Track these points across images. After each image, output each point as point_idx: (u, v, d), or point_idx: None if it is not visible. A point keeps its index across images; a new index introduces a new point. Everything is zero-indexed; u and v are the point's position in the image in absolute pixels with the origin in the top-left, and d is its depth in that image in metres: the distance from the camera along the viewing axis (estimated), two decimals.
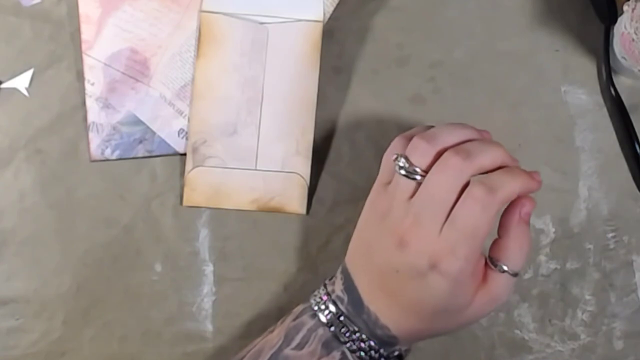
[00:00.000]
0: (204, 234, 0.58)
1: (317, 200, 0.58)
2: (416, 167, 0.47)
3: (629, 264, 0.57)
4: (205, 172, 0.57)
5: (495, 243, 0.48)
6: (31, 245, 0.58)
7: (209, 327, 0.58)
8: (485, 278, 0.47)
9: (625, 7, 0.53)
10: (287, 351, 0.48)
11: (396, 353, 0.49)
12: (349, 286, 0.49)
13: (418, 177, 0.46)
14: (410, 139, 0.48)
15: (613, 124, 0.58)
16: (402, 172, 0.47)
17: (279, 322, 0.51)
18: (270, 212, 0.58)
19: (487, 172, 0.47)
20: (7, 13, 0.59)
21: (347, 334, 0.47)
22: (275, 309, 0.58)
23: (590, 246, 0.57)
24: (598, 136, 0.58)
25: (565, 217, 0.58)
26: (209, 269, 0.58)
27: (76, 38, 0.58)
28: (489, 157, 0.46)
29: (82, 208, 0.58)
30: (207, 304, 0.58)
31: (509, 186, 0.46)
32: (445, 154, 0.46)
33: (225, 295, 0.58)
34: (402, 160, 0.47)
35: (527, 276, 0.57)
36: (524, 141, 0.58)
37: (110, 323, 0.58)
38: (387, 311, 0.48)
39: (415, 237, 0.46)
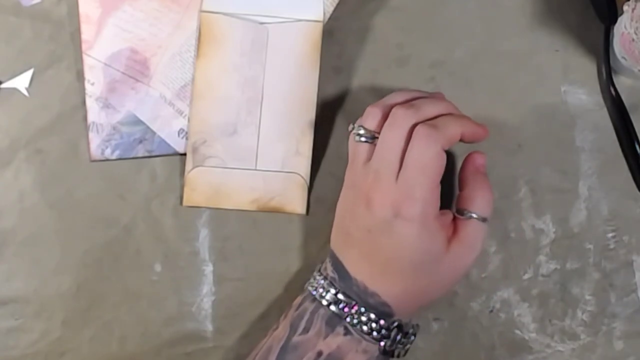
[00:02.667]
0: (204, 234, 0.58)
1: (317, 200, 0.58)
2: (371, 130, 0.51)
3: (629, 264, 0.57)
4: (205, 172, 0.57)
5: (458, 196, 0.52)
6: (31, 245, 0.58)
7: (209, 327, 0.58)
8: (456, 230, 0.50)
9: (625, 7, 0.53)
10: (295, 338, 0.50)
11: (396, 324, 0.50)
12: (336, 264, 0.51)
13: (375, 141, 0.50)
14: None
15: (613, 124, 0.58)
16: (362, 139, 0.51)
17: (281, 319, 0.52)
18: (270, 212, 0.58)
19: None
20: (7, 13, 0.59)
21: (346, 309, 0.50)
22: (275, 309, 0.58)
23: (590, 246, 0.57)
24: (598, 136, 0.58)
25: (565, 217, 0.58)
26: (208, 269, 0.58)
27: (76, 38, 0.58)
28: (433, 107, 0.51)
29: (82, 208, 0.58)
30: (207, 304, 0.58)
31: (451, 125, 0.50)
32: (392, 110, 0.50)
33: (225, 295, 0.58)
34: (359, 128, 0.51)
35: (527, 276, 0.57)
36: (524, 141, 0.58)
37: (110, 323, 0.58)
38: (372, 277, 0.50)
39: (377, 192, 0.49)
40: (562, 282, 0.57)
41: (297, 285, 0.58)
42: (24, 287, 0.58)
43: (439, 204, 0.49)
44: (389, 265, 0.49)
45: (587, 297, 0.57)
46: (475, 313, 0.57)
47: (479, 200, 0.51)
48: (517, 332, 0.57)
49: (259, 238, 0.58)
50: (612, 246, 0.57)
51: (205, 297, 0.58)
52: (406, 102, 0.51)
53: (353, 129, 0.52)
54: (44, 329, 0.58)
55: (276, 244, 0.58)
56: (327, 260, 0.53)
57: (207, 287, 0.58)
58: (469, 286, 0.57)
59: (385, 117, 0.51)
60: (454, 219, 0.51)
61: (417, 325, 0.52)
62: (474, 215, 0.50)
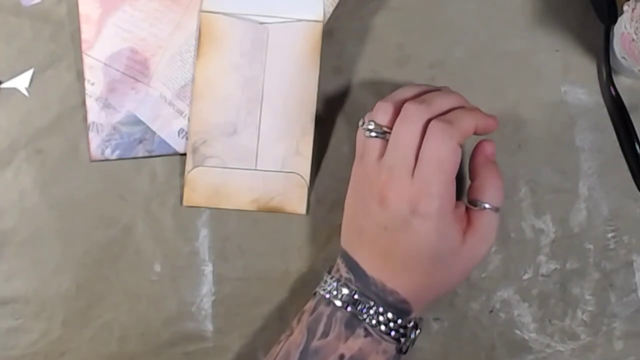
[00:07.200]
0: (203, 233, 0.58)
1: (317, 200, 0.58)
2: (382, 125, 0.50)
3: (629, 264, 0.57)
4: (205, 172, 0.57)
5: (470, 187, 0.52)
6: (31, 245, 0.58)
7: (209, 327, 0.58)
8: (470, 221, 0.50)
9: (625, 7, 0.53)
10: (315, 343, 0.49)
11: (412, 323, 0.50)
12: (351, 265, 0.51)
13: (387, 136, 0.50)
14: None
15: (613, 124, 0.58)
16: (373, 134, 0.50)
17: (293, 323, 0.51)
18: (270, 212, 0.58)
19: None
20: (7, 13, 0.59)
21: (364, 310, 0.49)
22: (275, 309, 0.58)
23: (590, 246, 0.57)
24: (598, 136, 0.58)
25: (565, 217, 0.58)
26: (208, 268, 0.58)
27: (76, 38, 0.58)
28: (444, 101, 0.50)
29: (82, 208, 0.58)
30: (207, 304, 0.58)
31: (465, 119, 0.49)
32: (404, 106, 0.50)
33: (225, 295, 0.58)
34: (369, 123, 0.51)
35: (527, 276, 0.57)
36: (524, 141, 0.58)
37: (110, 323, 0.58)
38: (390, 274, 0.50)
39: (392, 189, 0.48)
40: (562, 282, 0.57)
41: (297, 285, 0.58)
42: (24, 287, 0.58)
43: (454, 199, 0.49)
44: (407, 261, 0.49)
45: (587, 297, 0.57)
46: (475, 313, 0.57)
47: (491, 191, 0.51)
48: (517, 332, 0.57)
49: (259, 238, 0.58)
50: (612, 246, 0.57)
51: (205, 297, 0.58)
52: (416, 97, 0.51)
53: (363, 123, 0.51)
54: (44, 329, 0.58)
55: (276, 244, 0.58)
56: (339, 261, 0.52)
57: (206, 287, 0.58)
58: (469, 286, 0.57)
59: (396, 112, 0.50)
60: (467, 210, 0.51)
61: (421, 318, 0.52)
62: (487, 206, 0.50)
